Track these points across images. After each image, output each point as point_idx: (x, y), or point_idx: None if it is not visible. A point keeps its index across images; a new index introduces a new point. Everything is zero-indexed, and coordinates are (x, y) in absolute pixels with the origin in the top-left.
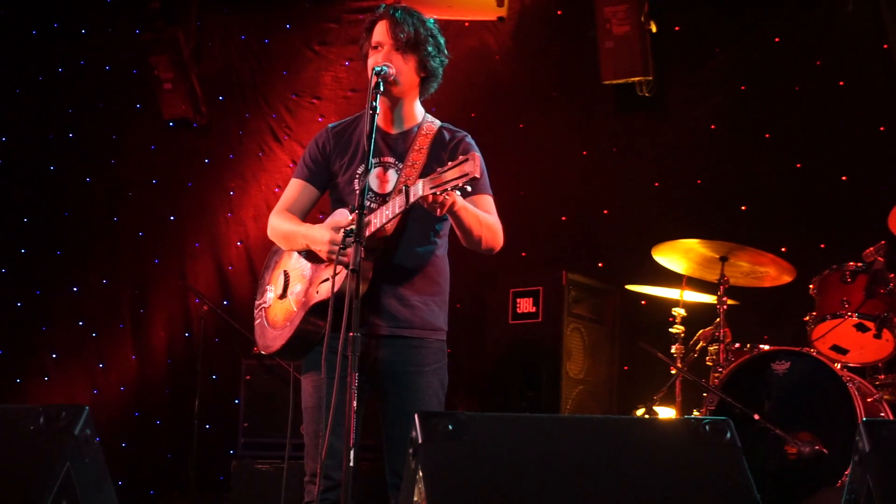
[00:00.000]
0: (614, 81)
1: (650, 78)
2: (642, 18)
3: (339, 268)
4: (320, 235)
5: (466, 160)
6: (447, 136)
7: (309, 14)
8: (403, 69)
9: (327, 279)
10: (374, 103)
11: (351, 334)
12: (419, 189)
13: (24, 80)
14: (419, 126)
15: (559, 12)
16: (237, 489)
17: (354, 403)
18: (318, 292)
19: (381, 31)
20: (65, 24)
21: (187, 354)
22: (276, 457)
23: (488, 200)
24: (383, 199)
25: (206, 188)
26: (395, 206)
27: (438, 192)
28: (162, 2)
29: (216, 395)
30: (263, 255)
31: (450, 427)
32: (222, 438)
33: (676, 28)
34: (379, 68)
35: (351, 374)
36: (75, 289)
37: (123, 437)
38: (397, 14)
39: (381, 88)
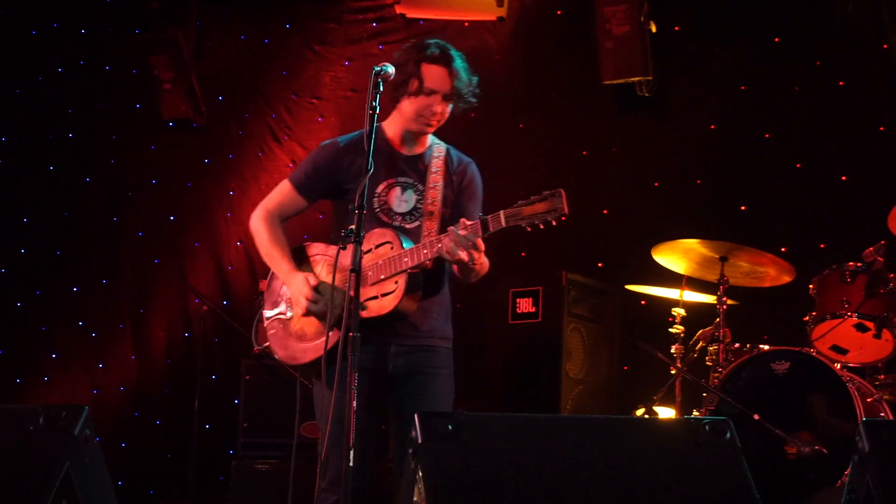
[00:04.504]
0: (614, 81)
1: (650, 78)
2: (642, 18)
3: (378, 290)
4: (297, 287)
5: (553, 195)
6: (455, 159)
7: (309, 14)
8: (447, 113)
9: (375, 296)
10: (373, 103)
11: (351, 335)
12: (501, 220)
13: (24, 80)
14: (430, 148)
15: (559, 12)
16: (237, 489)
17: (354, 403)
18: (365, 308)
19: (441, 80)
20: (65, 24)
21: (187, 354)
22: (276, 457)
23: None
24: (403, 217)
25: (205, 188)
26: (468, 235)
27: (524, 225)
28: (161, 2)
29: (216, 394)
30: None
31: (449, 427)
32: (222, 438)
33: (676, 28)
34: (379, 68)
35: (350, 373)
36: (75, 289)
37: (123, 437)
38: (458, 66)
39: (381, 88)
